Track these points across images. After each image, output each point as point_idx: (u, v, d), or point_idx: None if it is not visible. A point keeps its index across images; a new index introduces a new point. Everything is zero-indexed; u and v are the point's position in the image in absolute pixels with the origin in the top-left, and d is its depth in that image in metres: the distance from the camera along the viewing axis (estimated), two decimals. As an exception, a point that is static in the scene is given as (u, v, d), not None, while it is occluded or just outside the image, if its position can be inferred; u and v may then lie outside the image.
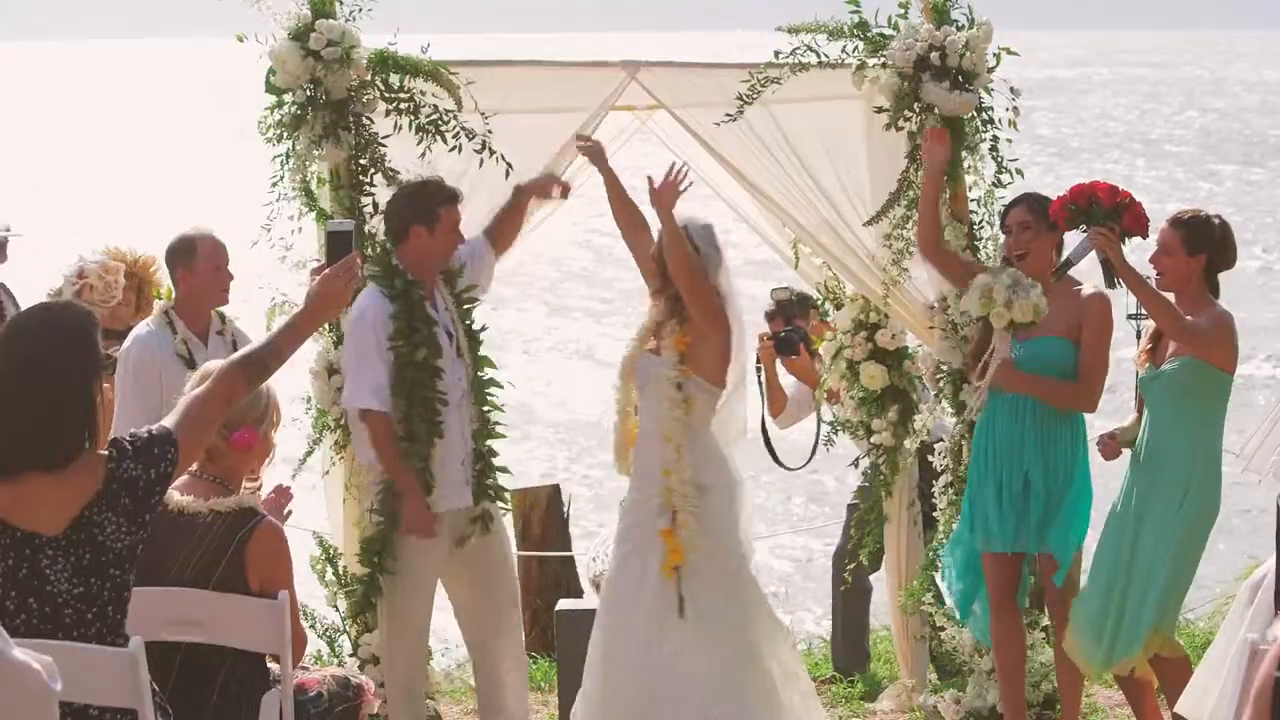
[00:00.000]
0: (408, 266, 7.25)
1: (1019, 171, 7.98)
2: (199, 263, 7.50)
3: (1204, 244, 7.18)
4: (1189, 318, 7.07)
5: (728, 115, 7.73)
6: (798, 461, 8.80)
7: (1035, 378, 7.35)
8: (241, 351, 5.16)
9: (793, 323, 8.87)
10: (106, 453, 4.83)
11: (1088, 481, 7.47)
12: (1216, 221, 7.23)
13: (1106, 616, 7.24)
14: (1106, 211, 7.10)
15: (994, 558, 7.53)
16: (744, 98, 7.74)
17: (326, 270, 5.28)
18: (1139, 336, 7.57)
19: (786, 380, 9.07)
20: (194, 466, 5.73)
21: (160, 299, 7.77)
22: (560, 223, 7.80)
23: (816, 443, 8.89)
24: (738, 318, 7.18)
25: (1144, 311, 7.47)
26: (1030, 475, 7.38)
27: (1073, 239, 7.38)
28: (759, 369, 8.90)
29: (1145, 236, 7.19)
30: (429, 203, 7.22)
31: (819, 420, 8.91)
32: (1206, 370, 7.11)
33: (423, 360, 7.19)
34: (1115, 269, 7.18)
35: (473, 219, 7.69)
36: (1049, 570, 7.46)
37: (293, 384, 7.47)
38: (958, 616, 7.96)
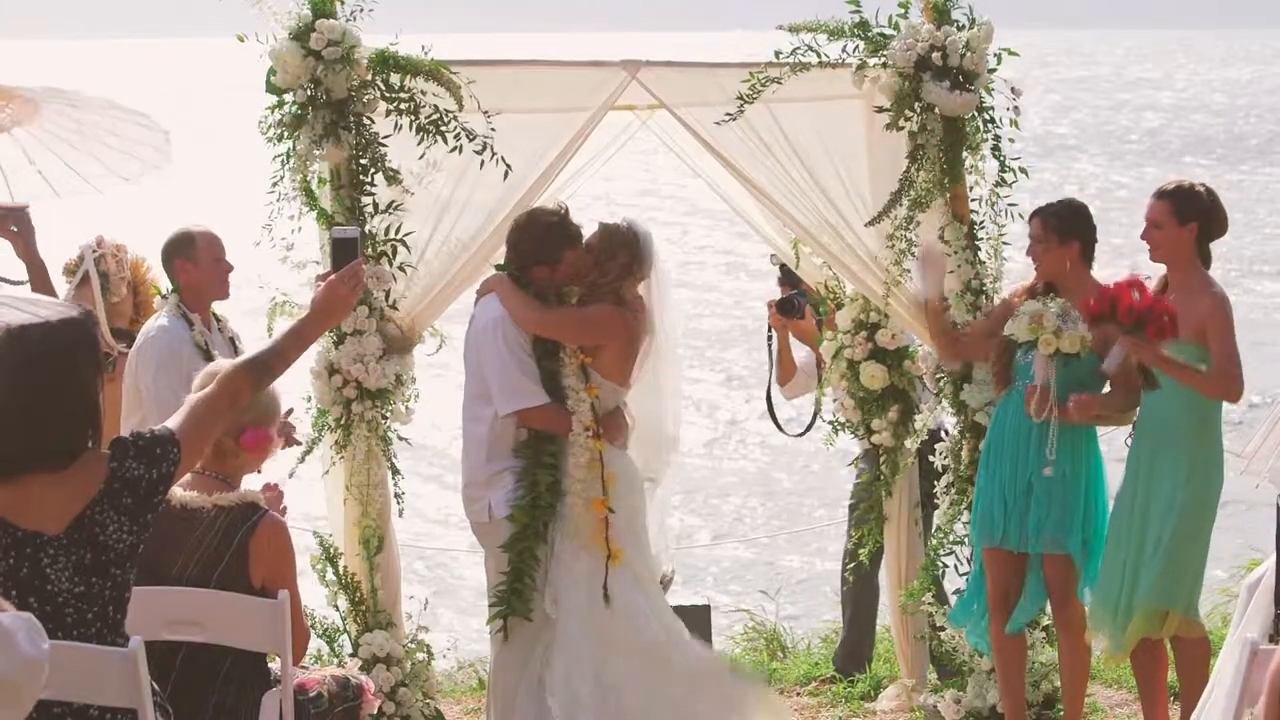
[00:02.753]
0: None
1: (1023, 170, 7.98)
2: (199, 254, 7.60)
3: (1193, 212, 7.21)
4: (1202, 370, 7.10)
5: (727, 114, 7.73)
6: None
7: (1084, 406, 7.34)
8: (247, 355, 5.17)
9: (799, 286, 8.89)
10: (109, 452, 4.84)
11: (1099, 482, 7.48)
12: (1203, 189, 7.27)
13: (1119, 596, 7.27)
14: (1128, 328, 7.04)
15: (995, 557, 7.54)
16: (744, 97, 7.73)
17: (332, 277, 5.30)
18: None
19: (799, 353, 9.09)
20: (196, 464, 5.75)
21: (161, 296, 7.80)
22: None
23: (817, 412, 8.94)
24: (656, 326, 7.44)
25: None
26: (1033, 477, 7.39)
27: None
28: (770, 336, 8.96)
29: (1176, 335, 7.07)
30: (554, 246, 7.33)
31: (819, 389, 8.94)
32: (1203, 352, 7.15)
33: (549, 371, 7.33)
34: (1155, 367, 7.13)
35: (470, 223, 7.70)
36: (1054, 571, 7.46)
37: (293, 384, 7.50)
38: (956, 617, 7.97)
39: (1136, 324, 7.00)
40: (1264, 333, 24.87)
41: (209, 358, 7.44)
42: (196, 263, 7.60)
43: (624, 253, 7.35)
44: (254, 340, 7.80)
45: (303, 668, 6.16)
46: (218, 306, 7.81)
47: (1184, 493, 7.17)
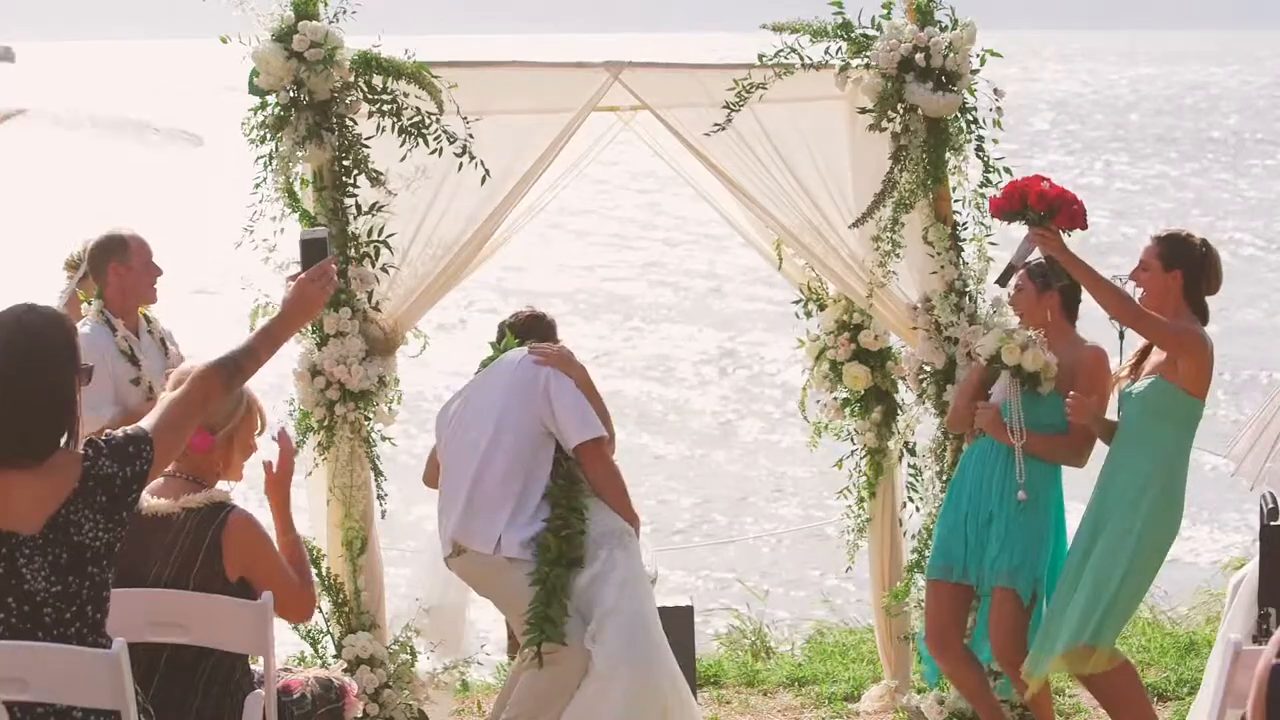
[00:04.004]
0: None
1: (1007, 170, 7.99)
2: (133, 256, 7.60)
3: (1179, 260, 7.14)
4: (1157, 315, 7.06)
5: (716, 125, 7.75)
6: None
7: (1035, 437, 7.32)
8: (219, 356, 5.18)
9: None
10: (83, 452, 4.85)
11: (1051, 520, 7.44)
12: (1197, 241, 7.21)
13: (1048, 626, 7.25)
14: (1039, 216, 7.08)
15: (940, 591, 7.51)
16: (730, 105, 7.74)
17: (301, 276, 5.30)
18: (1121, 338, 7.57)
19: None
20: (169, 466, 5.74)
21: (87, 303, 7.75)
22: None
23: None
24: None
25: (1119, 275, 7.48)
26: (994, 509, 7.39)
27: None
28: None
29: (1084, 228, 7.14)
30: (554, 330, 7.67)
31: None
32: (1175, 394, 7.07)
33: None
34: (1060, 264, 7.18)
35: (453, 224, 7.70)
36: (999, 608, 7.40)
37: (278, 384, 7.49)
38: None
39: (1048, 211, 7.05)
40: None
41: (134, 362, 7.45)
42: (130, 265, 7.58)
43: None
44: (187, 338, 7.83)
45: (286, 670, 6.15)
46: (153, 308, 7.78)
47: (1128, 546, 7.07)
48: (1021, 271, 7.44)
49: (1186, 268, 7.15)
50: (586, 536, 7.18)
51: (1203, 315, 7.19)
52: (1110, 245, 32.46)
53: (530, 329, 7.64)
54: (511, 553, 7.15)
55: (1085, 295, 7.34)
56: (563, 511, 7.20)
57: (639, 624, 7.12)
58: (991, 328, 7.62)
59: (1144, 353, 7.30)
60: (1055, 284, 7.30)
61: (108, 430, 4.98)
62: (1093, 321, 7.47)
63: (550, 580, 7.11)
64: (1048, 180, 7.13)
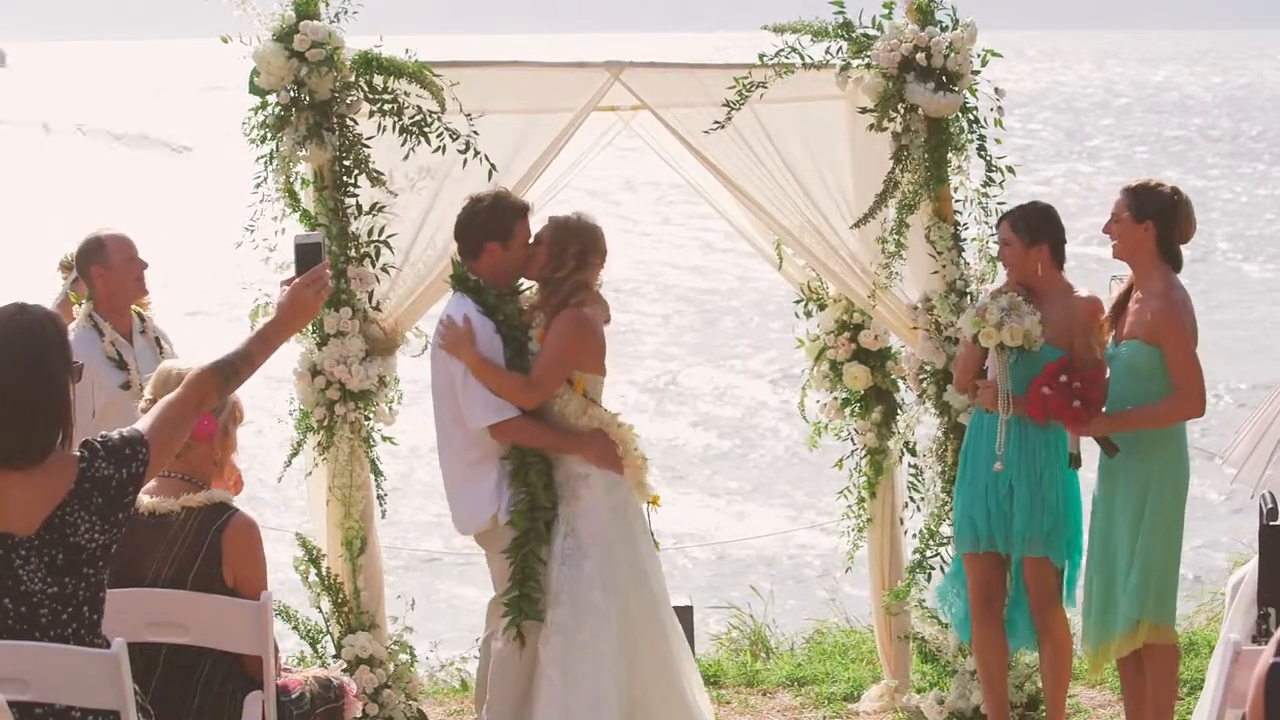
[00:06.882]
0: (484, 280, 7.21)
1: (1009, 169, 7.98)
2: (112, 256, 7.61)
3: (1150, 210, 7.10)
4: (1152, 407, 7.08)
5: (716, 123, 7.74)
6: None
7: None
8: (214, 358, 5.18)
9: None
10: (78, 453, 4.85)
11: (1071, 483, 7.47)
12: (1168, 190, 7.15)
13: (1090, 602, 7.28)
14: (1051, 421, 7.18)
15: (975, 560, 7.54)
16: (731, 104, 7.74)
17: (296, 281, 5.30)
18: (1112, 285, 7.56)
19: None
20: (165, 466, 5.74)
21: (77, 305, 7.75)
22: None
23: None
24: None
25: (1118, 275, 7.47)
26: (1013, 480, 7.38)
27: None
28: None
29: (1096, 399, 7.13)
30: (503, 219, 7.18)
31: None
32: (1156, 352, 7.08)
33: (519, 368, 7.15)
34: (1104, 443, 7.21)
35: (454, 224, 7.70)
36: (1034, 576, 7.45)
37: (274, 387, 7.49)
38: (946, 620, 7.98)
39: (1053, 414, 7.11)
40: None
41: (122, 366, 7.44)
42: (110, 265, 7.59)
43: (575, 243, 7.19)
44: (180, 338, 7.79)
45: (285, 669, 6.15)
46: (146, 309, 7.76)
47: (1150, 502, 7.13)
48: (1006, 224, 7.44)
49: (1158, 218, 7.12)
50: (554, 481, 7.16)
51: (1176, 263, 7.17)
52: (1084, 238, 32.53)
53: (465, 240, 7.22)
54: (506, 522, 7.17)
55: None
56: (519, 466, 7.13)
57: (575, 614, 7.10)
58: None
59: (1122, 304, 7.29)
60: (1109, 455, 7.25)
61: (102, 431, 4.98)
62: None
63: (525, 560, 7.12)
64: (1047, 387, 7.14)
